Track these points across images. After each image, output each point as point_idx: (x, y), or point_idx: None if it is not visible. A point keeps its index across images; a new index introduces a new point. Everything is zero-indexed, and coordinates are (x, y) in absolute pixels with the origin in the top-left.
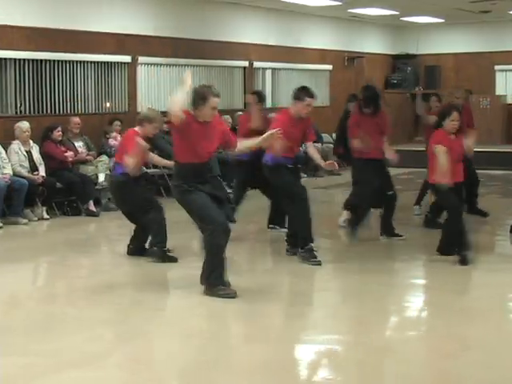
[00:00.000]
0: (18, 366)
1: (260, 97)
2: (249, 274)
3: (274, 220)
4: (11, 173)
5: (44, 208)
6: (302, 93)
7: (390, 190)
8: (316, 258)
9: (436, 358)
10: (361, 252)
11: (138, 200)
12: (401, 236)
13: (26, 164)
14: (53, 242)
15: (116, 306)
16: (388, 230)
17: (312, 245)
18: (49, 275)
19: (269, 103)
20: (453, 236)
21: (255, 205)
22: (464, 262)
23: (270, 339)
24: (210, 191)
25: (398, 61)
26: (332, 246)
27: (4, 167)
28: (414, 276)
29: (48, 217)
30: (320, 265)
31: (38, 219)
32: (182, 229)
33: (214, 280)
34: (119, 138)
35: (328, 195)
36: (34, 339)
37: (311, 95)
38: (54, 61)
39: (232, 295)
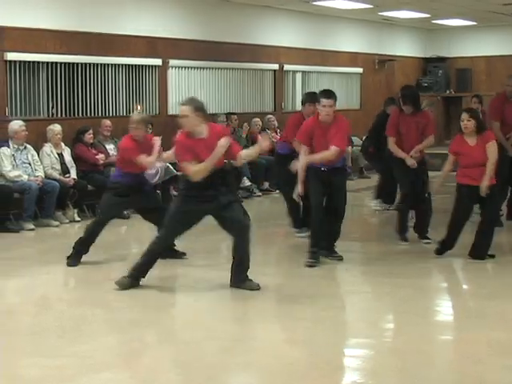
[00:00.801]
0: (50, 367)
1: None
2: (277, 276)
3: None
4: (43, 175)
5: (75, 210)
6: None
7: (423, 192)
8: (312, 259)
9: (467, 363)
10: (390, 255)
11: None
12: (429, 239)
13: (58, 166)
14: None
15: (146, 308)
16: (420, 231)
17: (315, 249)
18: (80, 277)
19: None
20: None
21: (284, 207)
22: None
23: (300, 342)
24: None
25: (430, 64)
26: (361, 249)
27: (36, 170)
28: (445, 279)
29: (79, 219)
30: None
31: (70, 221)
32: (212, 232)
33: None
34: None
35: (357, 198)
36: (65, 341)
37: (326, 97)
38: (85, 64)
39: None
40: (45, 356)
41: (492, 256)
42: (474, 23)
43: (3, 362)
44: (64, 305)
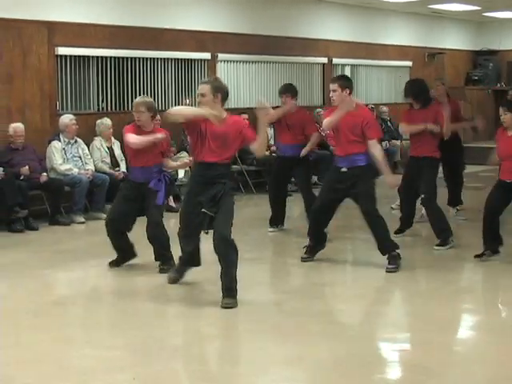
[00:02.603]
0: (101, 358)
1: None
2: (326, 272)
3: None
4: (93, 169)
5: None
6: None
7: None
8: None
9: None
10: (428, 252)
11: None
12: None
13: (108, 160)
14: (134, 237)
15: (196, 302)
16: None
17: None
18: (129, 270)
19: None
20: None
21: None
22: (482, 256)
23: (349, 336)
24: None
25: (480, 57)
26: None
27: (86, 163)
28: (485, 277)
29: None
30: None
31: None
32: (260, 224)
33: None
34: None
35: None
36: (116, 333)
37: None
38: (135, 58)
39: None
40: (96, 347)
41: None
42: None
43: (55, 352)
44: (114, 297)
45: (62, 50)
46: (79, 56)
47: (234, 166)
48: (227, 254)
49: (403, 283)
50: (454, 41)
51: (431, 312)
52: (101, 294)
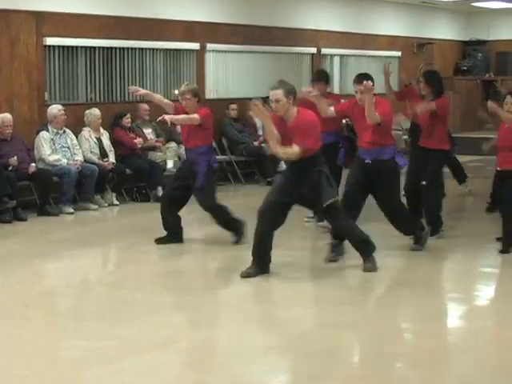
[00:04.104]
0: (91, 349)
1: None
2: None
3: None
4: (82, 159)
5: (114, 194)
6: None
7: None
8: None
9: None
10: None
11: None
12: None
13: (97, 151)
14: (122, 228)
15: (185, 292)
16: None
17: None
18: (118, 260)
19: (337, 90)
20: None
21: None
22: (504, 250)
23: (340, 326)
24: None
25: (469, 47)
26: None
27: (75, 154)
28: (484, 265)
29: (118, 203)
30: None
31: (108, 205)
32: (250, 214)
33: None
34: None
35: None
36: (105, 324)
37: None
38: (124, 48)
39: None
40: (85, 338)
41: None
42: None
43: (44, 343)
44: (104, 288)
45: (51, 41)
46: (67, 46)
47: (223, 157)
48: None
49: (393, 273)
50: (443, 31)
51: (420, 301)
52: (90, 285)
